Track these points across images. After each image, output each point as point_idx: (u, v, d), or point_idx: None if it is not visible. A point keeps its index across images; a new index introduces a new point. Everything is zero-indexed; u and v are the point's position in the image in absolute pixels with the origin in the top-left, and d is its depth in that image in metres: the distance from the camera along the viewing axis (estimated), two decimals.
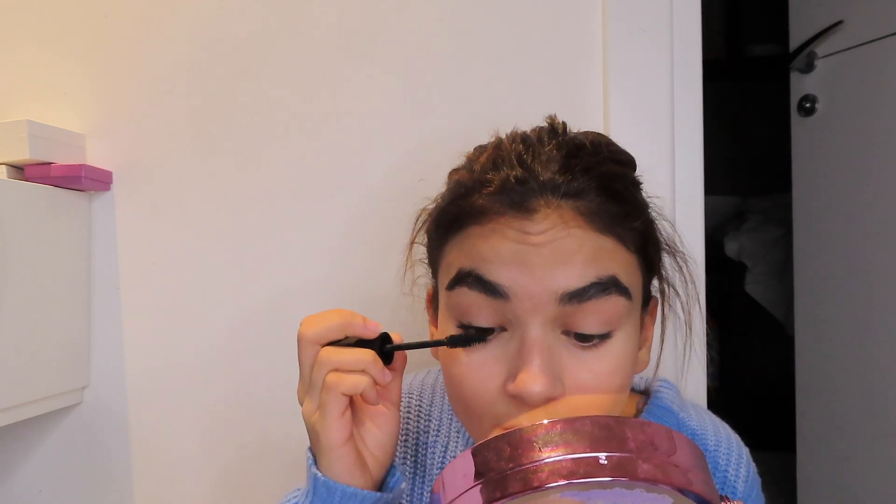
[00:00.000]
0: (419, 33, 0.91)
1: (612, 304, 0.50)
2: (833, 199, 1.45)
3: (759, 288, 1.94)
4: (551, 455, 0.36)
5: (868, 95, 1.37)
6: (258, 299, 0.94)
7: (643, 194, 0.58)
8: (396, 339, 0.53)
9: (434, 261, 0.58)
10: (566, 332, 0.50)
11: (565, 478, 0.35)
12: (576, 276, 0.49)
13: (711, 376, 0.91)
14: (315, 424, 0.52)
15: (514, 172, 0.52)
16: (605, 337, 0.50)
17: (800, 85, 1.53)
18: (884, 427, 1.33)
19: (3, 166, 0.86)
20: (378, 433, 0.54)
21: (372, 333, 0.52)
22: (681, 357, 0.68)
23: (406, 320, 0.90)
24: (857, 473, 1.40)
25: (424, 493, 0.65)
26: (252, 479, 0.94)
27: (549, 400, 0.49)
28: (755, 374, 2.07)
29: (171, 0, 0.94)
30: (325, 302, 0.92)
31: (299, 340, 0.52)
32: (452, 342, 0.51)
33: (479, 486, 0.37)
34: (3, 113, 0.96)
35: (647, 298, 0.58)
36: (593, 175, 0.52)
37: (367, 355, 0.51)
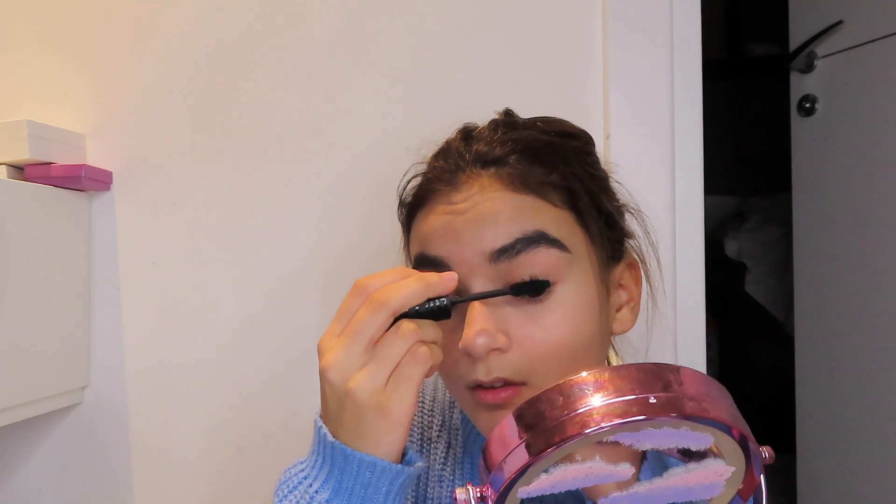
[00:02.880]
0: (419, 33, 0.91)
1: (544, 256, 0.53)
2: (833, 198, 1.45)
3: (759, 288, 1.94)
4: (604, 399, 0.38)
5: (868, 95, 1.36)
6: (258, 299, 0.94)
7: (586, 161, 0.60)
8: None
9: (408, 257, 0.61)
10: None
11: (620, 417, 0.37)
12: (501, 234, 0.53)
13: (711, 376, 0.91)
14: (384, 400, 0.47)
15: (449, 157, 0.58)
16: (545, 286, 0.53)
17: (800, 85, 1.53)
18: (884, 427, 1.33)
19: (3, 166, 0.86)
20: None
21: (451, 287, 0.51)
22: (647, 308, 0.69)
23: None
24: (857, 473, 1.40)
25: (428, 488, 0.65)
26: (252, 479, 0.94)
27: (495, 351, 0.52)
28: (755, 374, 2.07)
29: (170, 0, 0.94)
30: (326, 301, 0.93)
31: (378, 308, 0.48)
32: (516, 290, 0.53)
33: (538, 434, 0.38)
34: (3, 113, 0.96)
35: (613, 256, 0.60)
36: (513, 143, 0.56)
37: (439, 328, 0.51)
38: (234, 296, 0.94)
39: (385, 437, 0.48)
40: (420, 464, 0.51)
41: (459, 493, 0.41)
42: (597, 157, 0.63)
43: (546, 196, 0.55)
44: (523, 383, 0.53)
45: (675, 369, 0.39)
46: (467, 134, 0.60)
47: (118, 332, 0.96)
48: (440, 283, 0.50)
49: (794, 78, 1.55)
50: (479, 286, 0.53)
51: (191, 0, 0.94)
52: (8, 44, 0.97)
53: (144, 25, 0.95)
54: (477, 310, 0.52)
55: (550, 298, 0.53)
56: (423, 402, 0.69)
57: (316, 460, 0.51)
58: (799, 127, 1.55)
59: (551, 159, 0.56)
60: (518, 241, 0.53)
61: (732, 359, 2.11)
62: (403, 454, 0.51)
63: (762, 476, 0.42)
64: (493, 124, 0.61)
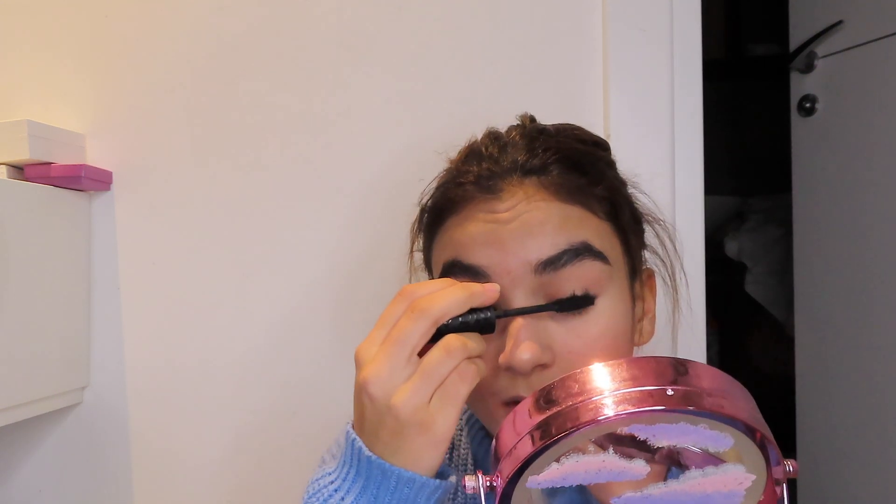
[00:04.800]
0: (419, 33, 0.91)
1: (588, 269, 0.52)
2: (833, 199, 1.45)
3: (759, 288, 1.94)
4: (620, 388, 0.37)
5: (868, 95, 1.36)
6: (258, 299, 0.94)
7: (616, 172, 0.61)
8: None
9: (428, 263, 0.60)
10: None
11: (635, 406, 0.35)
12: (547, 245, 0.52)
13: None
14: (428, 417, 0.46)
15: (482, 161, 0.56)
16: (590, 303, 0.52)
17: (800, 85, 1.53)
18: (884, 427, 1.33)
19: (3, 166, 0.86)
20: None
21: (494, 298, 0.50)
22: (670, 321, 0.68)
23: None
24: (857, 473, 1.40)
25: None
26: (252, 479, 0.94)
27: (538, 367, 0.51)
28: (755, 374, 2.07)
29: (170, 0, 0.94)
30: (325, 302, 0.92)
31: (420, 317, 0.46)
32: (561, 306, 0.52)
33: (550, 420, 0.37)
34: (3, 113, 0.96)
35: (637, 269, 0.59)
36: (554, 151, 0.55)
37: (484, 342, 0.49)
38: (234, 296, 0.94)
39: (426, 454, 0.46)
40: (454, 477, 0.50)
41: (468, 480, 0.40)
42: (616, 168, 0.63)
43: (590, 207, 0.54)
44: None
45: (696, 365, 0.38)
46: (497, 138, 0.59)
47: (118, 332, 0.96)
48: (483, 294, 0.49)
49: (794, 78, 1.55)
50: (520, 297, 0.52)
51: (191, 0, 0.94)
52: (8, 44, 0.97)
53: (144, 25, 0.95)
54: (520, 323, 0.51)
55: (591, 311, 0.52)
56: None
57: (348, 473, 0.49)
58: (799, 127, 1.55)
59: (591, 169, 0.56)
60: (564, 252, 0.52)
61: (732, 359, 2.11)
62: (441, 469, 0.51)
63: (785, 487, 0.40)
64: (523, 130, 0.59)
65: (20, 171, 0.88)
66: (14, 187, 0.84)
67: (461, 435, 0.66)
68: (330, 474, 0.51)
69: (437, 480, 0.47)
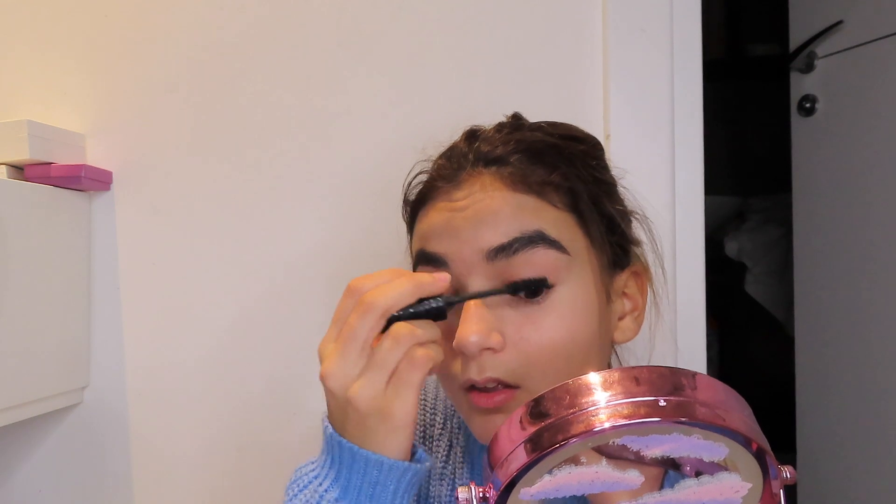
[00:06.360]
0: (419, 33, 0.91)
1: (542, 256, 0.53)
2: (833, 199, 1.45)
3: (759, 288, 1.94)
4: (611, 399, 0.36)
5: (868, 95, 1.36)
6: (258, 299, 0.94)
7: (593, 165, 0.60)
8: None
9: (412, 255, 0.61)
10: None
11: (626, 418, 0.35)
12: (499, 233, 0.53)
13: (712, 376, 0.91)
14: (385, 405, 0.48)
15: (453, 156, 0.58)
16: (543, 285, 0.52)
17: (800, 85, 1.53)
18: (884, 427, 1.33)
19: (3, 166, 0.86)
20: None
21: (444, 288, 0.51)
22: (650, 317, 0.68)
23: None
24: (857, 473, 1.40)
25: (431, 486, 0.65)
26: (252, 480, 0.94)
27: (488, 350, 0.52)
28: (755, 374, 2.07)
29: (170, 0, 0.94)
30: (326, 301, 0.92)
31: (368, 311, 0.48)
32: (511, 289, 0.52)
33: (541, 432, 0.37)
34: (3, 113, 0.96)
35: (618, 263, 0.59)
36: (517, 144, 0.56)
37: (437, 327, 0.50)
38: (235, 296, 0.94)
39: (390, 440, 0.48)
40: (429, 462, 0.52)
41: (461, 492, 0.40)
42: (604, 163, 0.63)
43: (546, 196, 0.55)
44: (517, 386, 0.53)
45: (691, 374, 0.38)
46: (472, 134, 0.61)
47: (118, 332, 0.96)
48: (432, 283, 0.50)
49: (794, 78, 1.55)
50: (476, 285, 0.53)
51: (191, 0, 0.94)
52: (8, 44, 0.97)
53: (144, 25, 0.95)
54: (472, 309, 0.52)
55: (548, 300, 0.53)
56: (424, 400, 0.69)
57: (325, 460, 0.51)
58: (799, 127, 1.55)
59: (553, 160, 0.56)
60: (516, 240, 0.52)
61: (732, 359, 2.11)
62: (413, 452, 0.52)
63: (783, 494, 0.40)
64: (499, 126, 0.61)
65: (20, 171, 0.88)
66: (14, 187, 0.84)
67: (457, 425, 0.67)
68: (312, 462, 0.53)
69: (407, 463, 0.49)
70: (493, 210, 0.53)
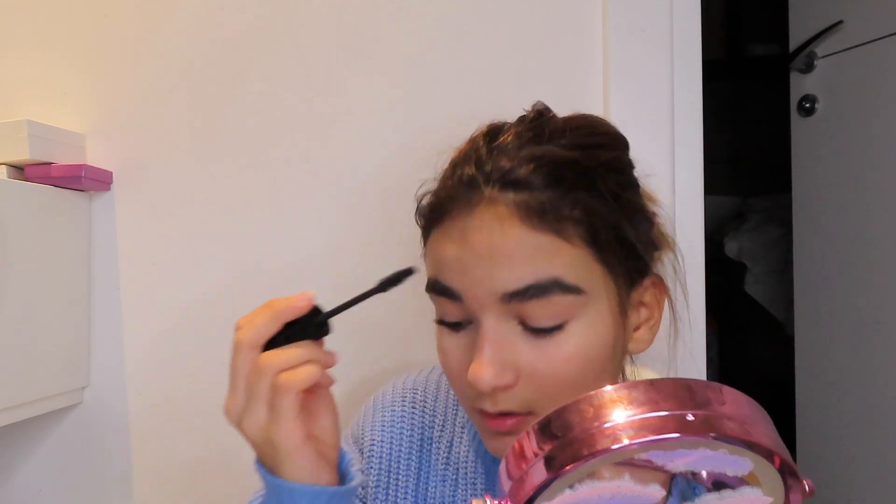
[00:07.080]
0: (419, 33, 0.91)
1: (558, 302, 0.51)
2: (833, 199, 1.45)
3: (759, 288, 1.94)
4: (638, 413, 0.35)
5: (868, 95, 1.36)
6: (257, 299, 0.93)
7: (617, 178, 0.56)
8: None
9: (426, 266, 0.60)
10: (522, 322, 0.52)
11: (654, 433, 0.34)
12: (513, 279, 0.51)
13: (711, 376, 0.91)
14: (269, 434, 0.50)
15: (467, 169, 0.54)
16: (558, 328, 0.52)
17: (800, 85, 1.53)
18: (884, 427, 1.33)
19: (3, 166, 0.86)
20: (329, 417, 0.54)
21: (305, 308, 0.51)
22: (668, 343, 0.67)
23: (409, 323, 0.90)
24: (857, 473, 1.40)
25: (430, 487, 0.65)
26: (252, 480, 0.94)
27: (498, 388, 0.52)
28: (755, 374, 2.07)
29: (170, 0, 0.94)
30: (325, 301, 0.92)
31: (238, 349, 0.50)
32: (383, 285, 0.52)
33: (563, 446, 0.36)
34: (3, 113, 0.96)
35: (634, 279, 0.57)
36: (536, 163, 0.52)
37: (308, 346, 0.50)
38: (234, 296, 0.94)
39: (286, 465, 0.50)
40: (357, 480, 0.53)
41: None
42: (629, 173, 0.60)
43: (564, 234, 0.52)
44: (529, 413, 0.53)
45: (717, 387, 0.37)
46: (493, 137, 0.56)
47: (118, 332, 0.96)
48: (289, 309, 0.50)
49: (794, 78, 1.55)
50: (489, 319, 0.52)
51: (191, 0, 0.94)
52: (8, 44, 0.97)
53: (144, 25, 0.95)
54: (486, 340, 0.52)
55: (563, 333, 0.52)
56: (424, 402, 0.68)
57: (263, 490, 0.54)
58: (799, 127, 1.55)
59: (575, 182, 0.53)
60: (530, 287, 0.51)
61: (732, 359, 2.11)
62: (345, 471, 0.53)
63: None
64: (518, 131, 0.56)
65: (20, 171, 0.88)
66: (14, 187, 0.84)
67: (461, 426, 0.67)
68: (257, 493, 0.56)
69: (318, 487, 0.50)
70: (507, 253, 0.51)
